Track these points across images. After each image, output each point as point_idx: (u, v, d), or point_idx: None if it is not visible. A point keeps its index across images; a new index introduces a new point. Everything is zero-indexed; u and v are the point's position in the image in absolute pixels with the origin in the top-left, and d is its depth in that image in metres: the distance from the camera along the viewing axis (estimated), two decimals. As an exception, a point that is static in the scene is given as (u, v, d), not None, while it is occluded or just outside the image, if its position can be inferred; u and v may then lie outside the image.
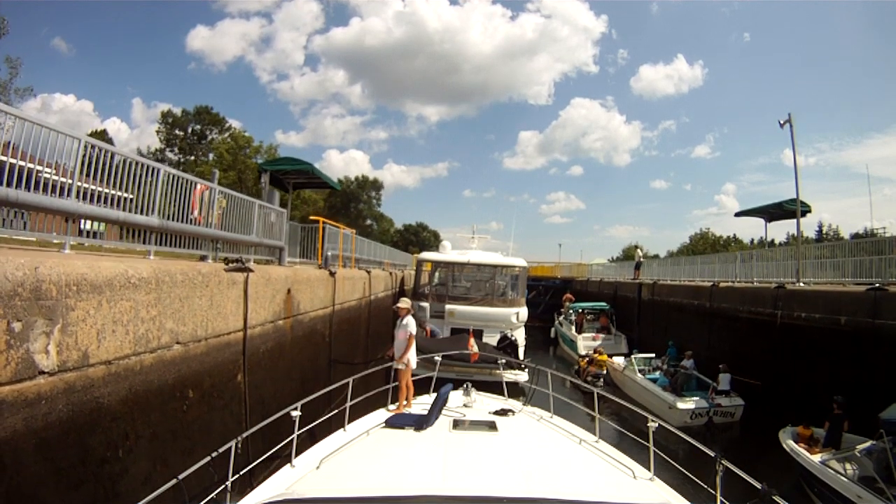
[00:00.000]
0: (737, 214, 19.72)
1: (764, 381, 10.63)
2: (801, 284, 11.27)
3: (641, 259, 25.56)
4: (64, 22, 59.91)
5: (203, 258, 7.36)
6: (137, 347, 3.81)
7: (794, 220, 13.70)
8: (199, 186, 6.90)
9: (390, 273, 15.70)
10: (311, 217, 11.06)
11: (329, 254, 11.61)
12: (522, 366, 10.89)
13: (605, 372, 14.78)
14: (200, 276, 4.73)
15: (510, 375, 10.78)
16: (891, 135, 63.47)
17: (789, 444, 7.39)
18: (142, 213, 5.56)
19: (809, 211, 16.30)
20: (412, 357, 5.88)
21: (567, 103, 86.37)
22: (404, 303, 6.11)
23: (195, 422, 4.49)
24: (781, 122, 12.23)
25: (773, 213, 15.93)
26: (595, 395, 5.08)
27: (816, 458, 6.75)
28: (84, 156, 4.86)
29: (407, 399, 5.40)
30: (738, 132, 76.53)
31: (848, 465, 6.38)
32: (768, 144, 74.12)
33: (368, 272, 12.14)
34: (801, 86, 70.62)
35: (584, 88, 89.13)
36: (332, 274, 8.73)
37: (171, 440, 4.19)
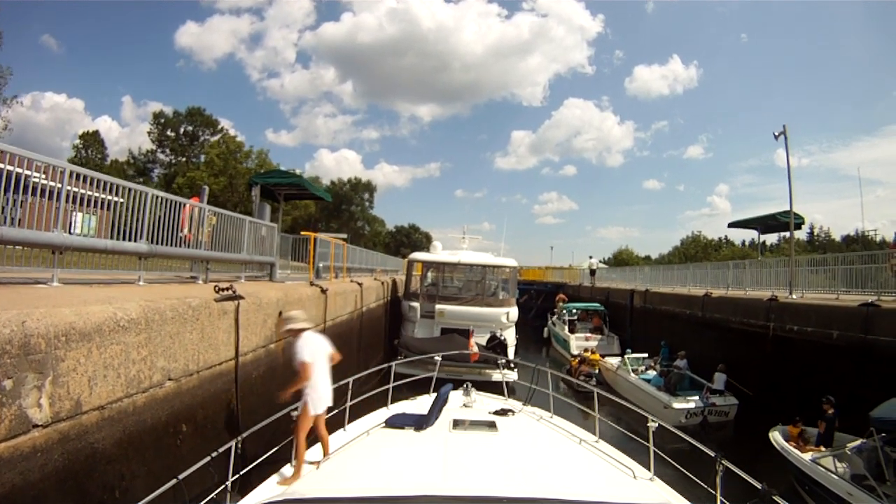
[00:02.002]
0: (730, 225, 20.21)
1: (756, 391, 10.80)
2: (794, 297, 11.38)
3: (594, 267, 28.07)
4: (52, 18, 59.73)
5: (193, 278, 7.41)
6: (129, 389, 3.88)
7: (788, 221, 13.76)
8: (187, 205, 6.95)
9: (382, 283, 15.76)
10: (303, 233, 11.11)
11: (321, 265, 11.67)
12: (511, 365, 11.02)
13: (597, 371, 14.91)
14: (191, 311, 4.79)
15: (499, 375, 10.93)
16: (879, 137, 64.75)
17: (780, 442, 7.49)
18: (131, 233, 5.63)
19: (803, 223, 16.62)
20: (327, 393, 4.39)
21: (561, 104, 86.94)
22: (298, 314, 4.52)
23: (189, 455, 4.54)
24: (776, 133, 12.39)
25: (766, 224, 16.11)
26: (595, 395, 5.13)
27: (807, 456, 6.84)
28: (70, 180, 4.89)
29: (325, 450, 4.18)
30: (732, 133, 77.30)
31: (839, 464, 6.43)
32: (761, 146, 74.79)
33: (360, 284, 12.22)
34: (793, 87, 71.64)
35: (578, 89, 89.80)
36: (324, 291, 8.80)
37: (167, 476, 4.23)
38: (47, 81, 69.21)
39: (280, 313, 6.90)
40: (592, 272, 27.37)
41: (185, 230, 7.05)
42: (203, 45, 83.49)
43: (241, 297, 5.75)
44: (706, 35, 79.04)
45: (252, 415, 5.85)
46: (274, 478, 3.71)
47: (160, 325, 4.31)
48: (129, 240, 5.65)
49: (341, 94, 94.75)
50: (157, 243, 5.97)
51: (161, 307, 4.41)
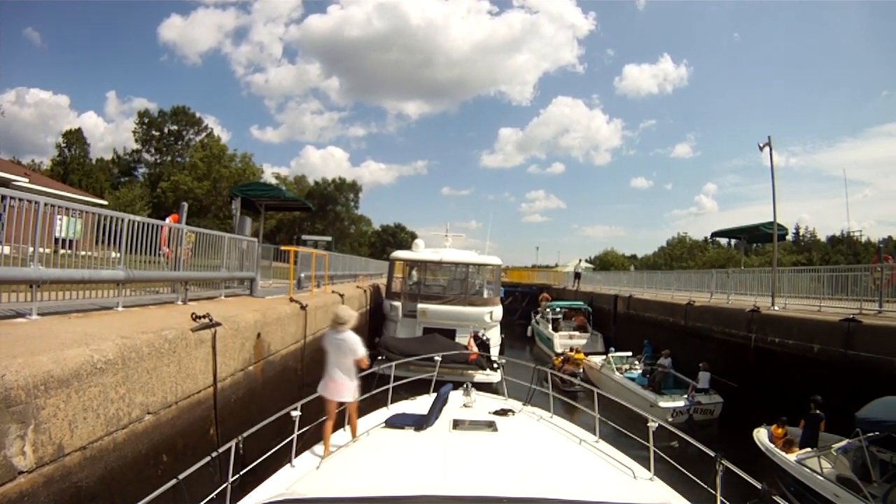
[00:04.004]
0: (714, 234, 20.65)
1: (737, 401, 10.99)
2: (776, 309, 11.55)
3: (579, 270, 28.41)
4: (35, 13, 59.23)
5: (172, 299, 7.54)
6: (109, 427, 4.10)
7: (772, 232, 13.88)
8: (164, 226, 7.13)
9: (364, 290, 15.95)
10: (283, 247, 11.28)
11: (302, 275, 11.86)
12: (495, 366, 11.26)
13: (581, 370, 15.15)
14: (167, 344, 4.99)
15: (482, 376, 11.17)
16: (862, 139, 66.18)
17: (765, 443, 7.57)
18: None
19: (786, 233, 17.15)
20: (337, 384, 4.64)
21: (549, 101, 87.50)
22: (344, 312, 4.86)
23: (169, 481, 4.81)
24: (761, 144, 12.40)
25: (751, 234, 16.48)
26: (595, 394, 5.18)
27: (792, 457, 6.88)
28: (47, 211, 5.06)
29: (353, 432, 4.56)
30: (720, 132, 78.13)
31: (825, 464, 6.45)
32: (747, 146, 75.91)
33: (341, 296, 12.44)
34: (782, 88, 72.82)
35: (567, 87, 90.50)
36: (304, 307, 9.01)
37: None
38: (32, 77, 68.16)
39: (261, 336, 7.14)
40: (577, 275, 27.58)
41: (165, 248, 7.24)
42: (187, 39, 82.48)
43: (217, 325, 5.95)
44: (699, 34, 79.53)
45: (232, 437, 6.08)
46: (274, 478, 3.78)
47: (137, 362, 4.51)
48: (113, 244, 5.91)
49: (328, 90, 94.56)
50: (136, 253, 6.14)
51: (137, 343, 4.60)
